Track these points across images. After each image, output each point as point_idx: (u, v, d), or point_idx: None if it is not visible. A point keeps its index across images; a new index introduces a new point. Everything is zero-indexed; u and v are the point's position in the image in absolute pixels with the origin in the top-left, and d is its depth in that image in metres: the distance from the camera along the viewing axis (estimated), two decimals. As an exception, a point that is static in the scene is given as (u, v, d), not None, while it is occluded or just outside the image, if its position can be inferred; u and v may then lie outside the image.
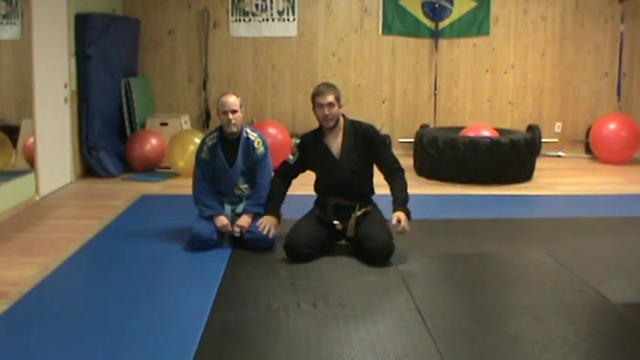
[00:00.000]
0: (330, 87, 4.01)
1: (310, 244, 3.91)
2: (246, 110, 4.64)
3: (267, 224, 4.01)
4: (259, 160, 4.22)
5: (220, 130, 4.25)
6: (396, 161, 4.07)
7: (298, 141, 4.23)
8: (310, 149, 4.11)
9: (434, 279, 3.74)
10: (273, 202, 4.14)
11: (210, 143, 4.24)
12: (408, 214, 3.88)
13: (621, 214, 5.22)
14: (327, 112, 3.94)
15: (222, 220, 4.15)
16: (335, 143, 4.04)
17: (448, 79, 8.13)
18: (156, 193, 5.89)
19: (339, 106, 4.00)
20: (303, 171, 4.21)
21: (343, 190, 4.02)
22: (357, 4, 7.99)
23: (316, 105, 3.99)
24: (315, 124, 4.16)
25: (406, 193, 3.96)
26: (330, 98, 3.94)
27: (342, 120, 4.06)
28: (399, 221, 3.81)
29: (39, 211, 5.20)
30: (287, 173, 4.20)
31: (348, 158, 4.00)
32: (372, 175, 4.11)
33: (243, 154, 4.21)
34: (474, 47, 8.11)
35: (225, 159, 4.21)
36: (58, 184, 6.01)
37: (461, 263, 3.96)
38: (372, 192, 4.14)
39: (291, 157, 4.18)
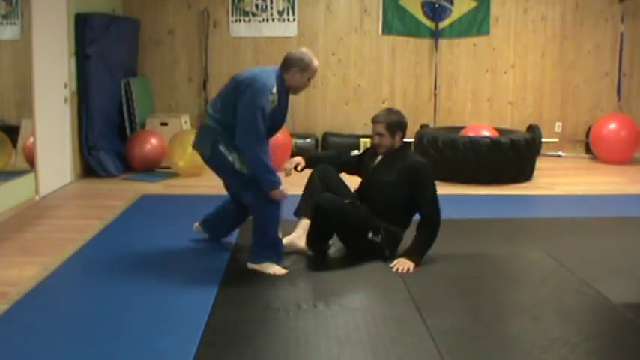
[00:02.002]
0: (385, 115, 4.01)
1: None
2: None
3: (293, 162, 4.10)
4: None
5: (281, 79, 3.80)
6: (431, 206, 3.90)
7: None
8: (364, 159, 4.19)
9: (434, 279, 3.73)
10: (316, 154, 4.15)
11: (275, 90, 3.74)
12: (414, 260, 3.81)
13: (621, 214, 5.22)
14: (376, 141, 3.99)
15: (285, 192, 3.80)
16: (379, 164, 4.05)
17: (448, 79, 8.12)
18: (156, 193, 5.89)
19: (393, 137, 3.96)
20: (352, 169, 4.25)
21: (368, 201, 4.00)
22: (357, 4, 7.99)
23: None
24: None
25: (423, 244, 3.87)
26: (380, 129, 3.96)
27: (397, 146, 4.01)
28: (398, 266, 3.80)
29: (39, 211, 5.20)
30: (341, 161, 4.25)
31: (376, 181, 4.02)
32: (407, 209, 3.98)
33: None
34: (474, 47, 8.11)
35: (286, 104, 3.90)
36: (58, 184, 6.01)
37: (461, 263, 3.96)
38: (400, 223, 4.00)
39: (356, 152, 4.15)
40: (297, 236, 3.99)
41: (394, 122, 3.97)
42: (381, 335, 2.91)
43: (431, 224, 3.89)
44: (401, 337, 2.90)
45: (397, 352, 2.74)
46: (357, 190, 4.14)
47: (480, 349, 2.80)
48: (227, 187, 4.12)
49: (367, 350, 2.76)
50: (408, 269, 3.75)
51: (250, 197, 3.79)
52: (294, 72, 3.82)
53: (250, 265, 3.79)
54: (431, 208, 3.91)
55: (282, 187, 3.72)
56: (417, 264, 3.80)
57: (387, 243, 3.91)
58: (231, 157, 3.76)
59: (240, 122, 3.68)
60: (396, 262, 3.81)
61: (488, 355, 2.75)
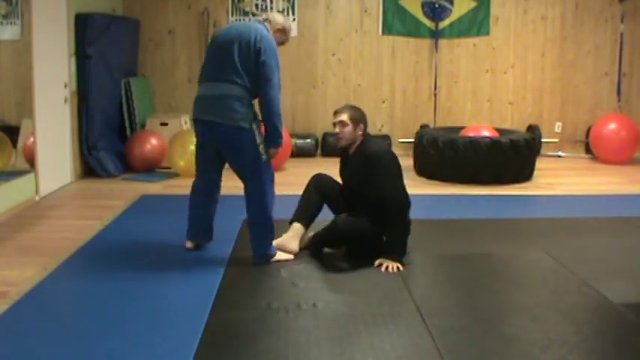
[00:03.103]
0: (348, 107, 4.03)
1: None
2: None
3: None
4: None
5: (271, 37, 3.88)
6: (396, 193, 3.79)
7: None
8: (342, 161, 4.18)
9: (434, 279, 3.74)
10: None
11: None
12: (398, 260, 3.78)
13: (621, 214, 5.22)
14: (337, 129, 3.96)
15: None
16: (349, 163, 4.05)
17: (448, 79, 8.13)
18: (156, 193, 5.89)
19: (355, 129, 3.93)
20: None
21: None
22: (357, 4, 7.99)
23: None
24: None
25: (400, 243, 3.82)
26: (343, 117, 3.93)
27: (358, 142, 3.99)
28: (380, 265, 3.79)
29: (39, 211, 5.20)
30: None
31: (351, 182, 4.03)
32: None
33: None
34: (474, 47, 8.11)
35: None
36: (58, 184, 6.01)
37: (461, 263, 3.96)
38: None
39: None
40: (289, 238, 4.00)
41: (357, 114, 3.97)
42: (381, 335, 2.91)
43: (398, 216, 3.78)
44: (401, 337, 2.90)
45: (397, 352, 2.74)
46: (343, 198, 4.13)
47: (480, 349, 2.80)
48: (210, 170, 4.00)
49: (367, 350, 2.76)
50: (398, 268, 3.74)
51: (253, 185, 3.83)
52: (277, 30, 3.95)
53: (271, 260, 3.88)
54: (396, 195, 3.78)
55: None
56: (402, 264, 3.78)
57: None
58: (258, 139, 3.79)
59: (268, 78, 3.71)
60: (379, 261, 3.79)
61: (489, 355, 2.75)
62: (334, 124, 3.98)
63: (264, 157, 3.81)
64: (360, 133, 3.97)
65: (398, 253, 3.82)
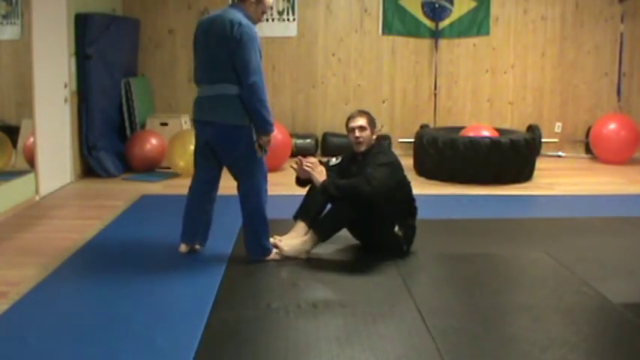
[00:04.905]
0: (362, 112, 4.08)
1: None
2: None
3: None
4: None
5: (249, 16, 3.78)
6: (374, 177, 3.75)
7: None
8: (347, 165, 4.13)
9: (434, 279, 3.74)
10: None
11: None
12: (326, 180, 3.85)
13: (621, 214, 5.22)
14: (357, 134, 3.96)
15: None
16: (359, 162, 4.04)
17: (448, 79, 8.13)
18: (156, 193, 5.89)
19: (372, 133, 4.00)
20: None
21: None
22: (357, 4, 7.99)
23: (348, 129, 4.02)
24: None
25: (342, 185, 3.81)
26: (362, 122, 3.97)
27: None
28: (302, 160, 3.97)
29: (39, 211, 5.20)
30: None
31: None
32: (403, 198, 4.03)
33: None
34: (474, 47, 8.11)
35: None
36: (58, 184, 6.01)
37: (461, 263, 3.96)
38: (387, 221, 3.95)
39: (334, 159, 4.21)
40: (293, 237, 4.00)
41: (372, 118, 4.05)
42: (381, 335, 2.91)
43: (362, 180, 3.76)
44: (401, 337, 2.90)
45: (397, 352, 2.75)
46: None
47: (480, 349, 2.80)
48: (206, 172, 3.98)
49: (367, 350, 2.76)
50: (312, 170, 3.90)
51: (250, 183, 3.83)
52: (251, 4, 3.82)
53: (269, 258, 3.91)
54: (371, 178, 3.73)
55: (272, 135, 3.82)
56: (324, 183, 3.84)
57: (405, 237, 3.99)
58: (255, 135, 3.76)
59: (246, 64, 3.62)
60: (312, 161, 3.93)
61: (489, 355, 2.75)
62: (353, 129, 3.98)
63: (259, 154, 3.81)
64: (375, 137, 4.05)
65: (334, 184, 3.83)
